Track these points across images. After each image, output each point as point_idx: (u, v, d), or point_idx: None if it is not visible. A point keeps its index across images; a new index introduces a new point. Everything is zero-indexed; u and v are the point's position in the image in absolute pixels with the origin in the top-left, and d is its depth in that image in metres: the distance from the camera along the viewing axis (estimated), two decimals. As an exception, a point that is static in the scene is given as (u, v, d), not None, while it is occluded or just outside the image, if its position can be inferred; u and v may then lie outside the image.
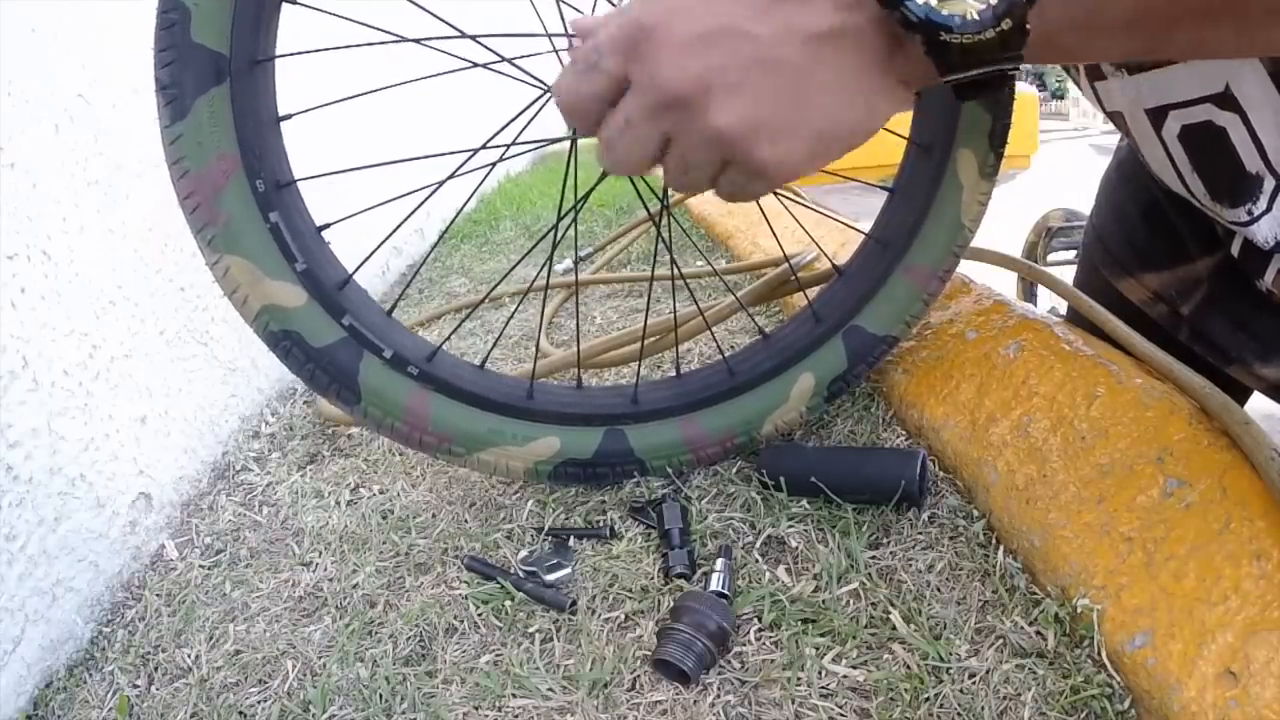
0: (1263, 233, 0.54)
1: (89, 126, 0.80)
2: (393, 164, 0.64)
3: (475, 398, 0.65)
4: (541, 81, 0.62)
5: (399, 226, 0.69)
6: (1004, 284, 0.90)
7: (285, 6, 0.57)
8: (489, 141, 0.62)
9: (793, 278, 0.81)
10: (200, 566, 0.74)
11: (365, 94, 0.63)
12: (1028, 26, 0.32)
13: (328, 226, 0.61)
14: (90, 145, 0.80)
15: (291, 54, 0.58)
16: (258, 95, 0.56)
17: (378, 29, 0.59)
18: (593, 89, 0.39)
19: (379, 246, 0.67)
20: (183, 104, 0.53)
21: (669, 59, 0.35)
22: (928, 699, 0.47)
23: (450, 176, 0.63)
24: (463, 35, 0.60)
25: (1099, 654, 0.47)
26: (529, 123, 0.62)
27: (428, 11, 0.62)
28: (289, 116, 0.59)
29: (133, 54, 0.88)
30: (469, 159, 0.62)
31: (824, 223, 1.14)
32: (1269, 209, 0.53)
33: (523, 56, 0.62)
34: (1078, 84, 0.63)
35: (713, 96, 0.35)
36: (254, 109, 0.56)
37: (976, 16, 0.32)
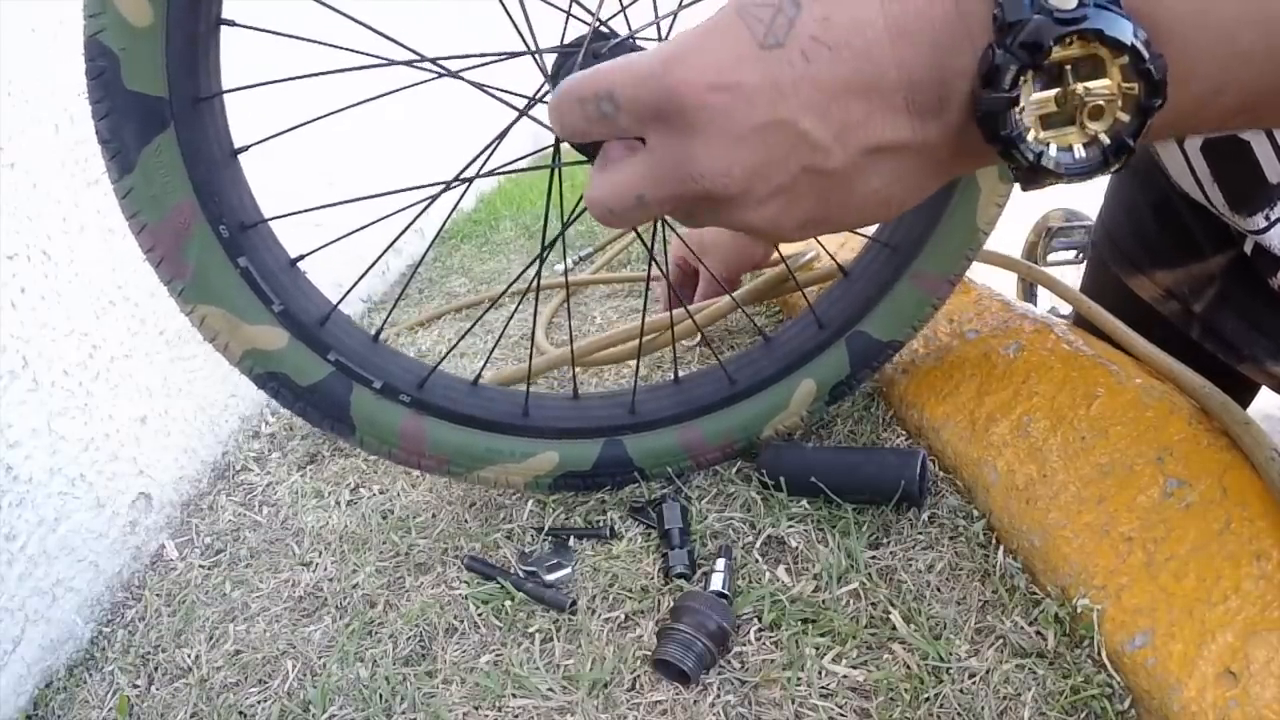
0: (1278, 238, 0.54)
1: (89, 126, 0.79)
2: (363, 200, 0.60)
3: (470, 419, 0.64)
4: (515, 106, 0.57)
5: (380, 257, 0.67)
6: (1004, 284, 0.90)
7: (224, 36, 0.53)
8: (460, 174, 0.59)
9: (791, 278, 0.81)
10: (200, 566, 0.74)
11: (323, 117, 0.58)
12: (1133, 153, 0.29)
13: (301, 258, 0.60)
14: (90, 145, 0.79)
15: (237, 89, 0.55)
16: (207, 134, 0.53)
17: (341, 48, 0.55)
18: (595, 132, 0.34)
19: (359, 280, 0.66)
20: (128, 158, 0.51)
21: (711, 152, 0.30)
22: (928, 699, 0.47)
23: (428, 204, 0.61)
24: (422, 59, 0.56)
25: (1099, 654, 0.47)
26: (499, 140, 0.58)
27: (384, 35, 0.56)
28: (246, 148, 0.56)
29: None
30: (443, 191, 0.60)
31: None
32: None
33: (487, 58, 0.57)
34: None
35: (751, 198, 0.31)
36: (205, 149, 0.53)
37: (1084, 155, 0.28)
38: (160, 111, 0.50)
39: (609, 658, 0.54)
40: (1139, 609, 0.46)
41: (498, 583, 0.62)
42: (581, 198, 0.68)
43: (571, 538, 0.66)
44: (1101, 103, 0.28)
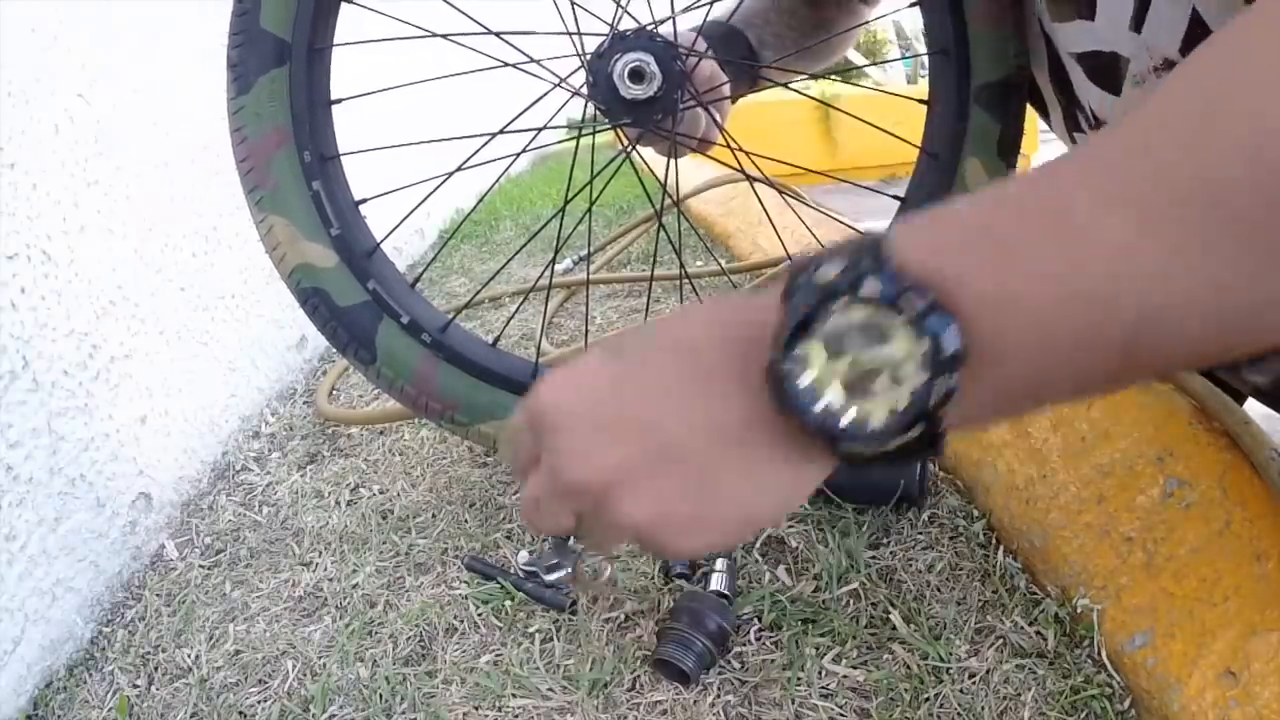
0: None
1: (89, 126, 0.80)
2: (424, 144, 0.71)
3: (482, 371, 0.67)
4: (556, 74, 0.65)
5: (431, 194, 0.73)
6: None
7: (344, 7, 0.65)
8: (506, 126, 0.67)
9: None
10: (200, 566, 0.74)
11: (405, 85, 0.69)
12: (943, 429, 0.27)
13: (364, 201, 0.67)
14: (90, 145, 0.80)
15: (344, 44, 0.66)
16: (313, 78, 0.63)
17: (417, 26, 0.67)
18: (517, 454, 0.38)
19: (412, 211, 0.72)
20: (247, 80, 0.61)
21: (571, 451, 0.33)
22: (928, 699, 0.47)
23: (471, 156, 0.66)
24: (488, 32, 0.65)
25: (1099, 654, 0.47)
26: (558, 110, 0.66)
27: (462, 12, 0.68)
28: (340, 100, 0.66)
29: (133, 54, 0.88)
30: (488, 142, 0.68)
31: (825, 222, 1.14)
32: None
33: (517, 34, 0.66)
34: (1050, 125, 0.63)
35: (619, 492, 0.33)
36: (308, 90, 0.63)
37: (880, 426, 0.27)
38: (282, 51, 0.62)
39: (609, 658, 0.54)
40: (1139, 609, 0.46)
41: (498, 583, 0.62)
42: (587, 185, 0.72)
43: (572, 538, 0.66)
44: (893, 371, 0.26)
